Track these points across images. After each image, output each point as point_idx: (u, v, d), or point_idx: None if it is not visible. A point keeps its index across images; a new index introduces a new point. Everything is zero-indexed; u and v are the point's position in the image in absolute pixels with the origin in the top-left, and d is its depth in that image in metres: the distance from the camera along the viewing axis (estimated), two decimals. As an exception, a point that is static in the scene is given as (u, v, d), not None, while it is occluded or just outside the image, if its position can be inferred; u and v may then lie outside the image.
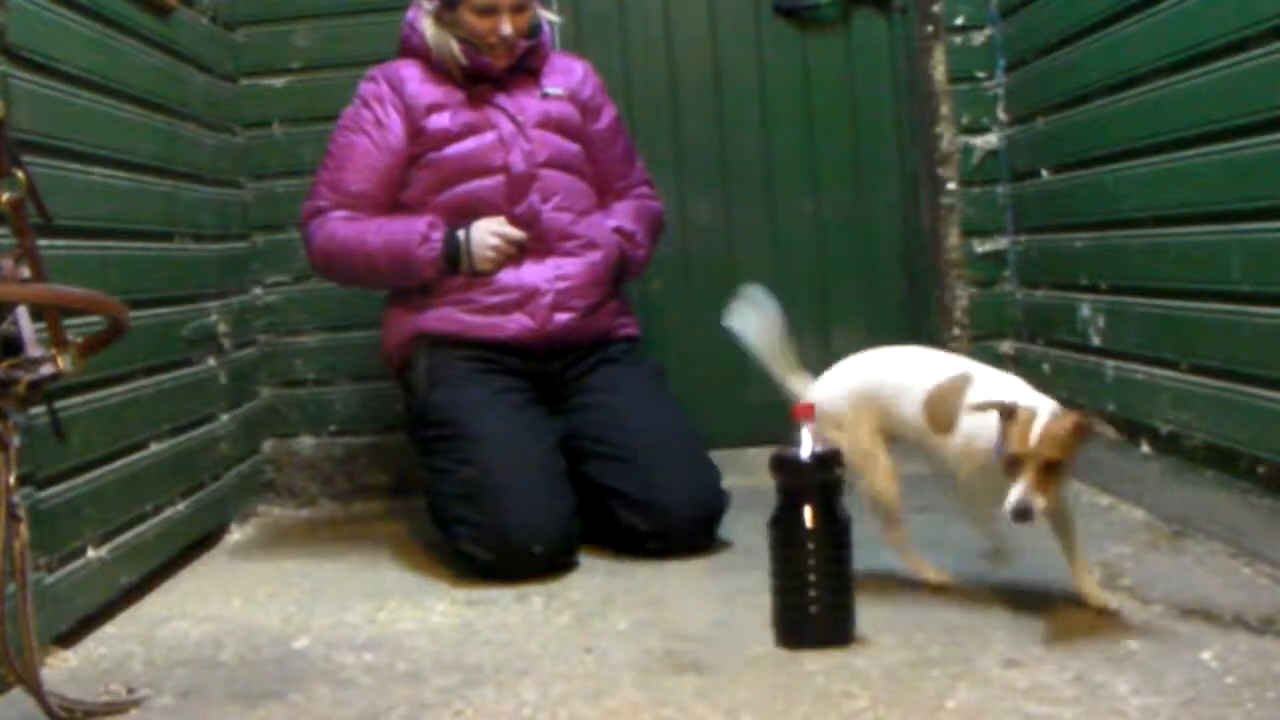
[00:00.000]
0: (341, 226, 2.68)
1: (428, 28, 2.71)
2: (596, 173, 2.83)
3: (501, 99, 2.72)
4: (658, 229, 2.91)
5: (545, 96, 2.75)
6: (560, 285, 2.65)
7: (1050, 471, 1.80)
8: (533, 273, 2.65)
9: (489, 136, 2.68)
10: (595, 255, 2.69)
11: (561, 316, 2.64)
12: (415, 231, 2.64)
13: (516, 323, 2.63)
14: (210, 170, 3.04)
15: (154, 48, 2.71)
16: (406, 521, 3.05)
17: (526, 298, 2.64)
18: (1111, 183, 2.65)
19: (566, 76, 2.81)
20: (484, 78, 2.72)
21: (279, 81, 3.32)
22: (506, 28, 2.65)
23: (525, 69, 2.76)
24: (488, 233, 2.63)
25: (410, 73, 2.73)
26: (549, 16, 2.83)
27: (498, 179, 2.67)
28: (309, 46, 3.31)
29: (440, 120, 2.69)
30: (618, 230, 2.77)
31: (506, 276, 2.64)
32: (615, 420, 2.62)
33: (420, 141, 2.69)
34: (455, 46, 2.69)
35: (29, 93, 2.10)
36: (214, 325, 2.97)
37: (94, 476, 2.26)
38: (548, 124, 2.73)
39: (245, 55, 3.32)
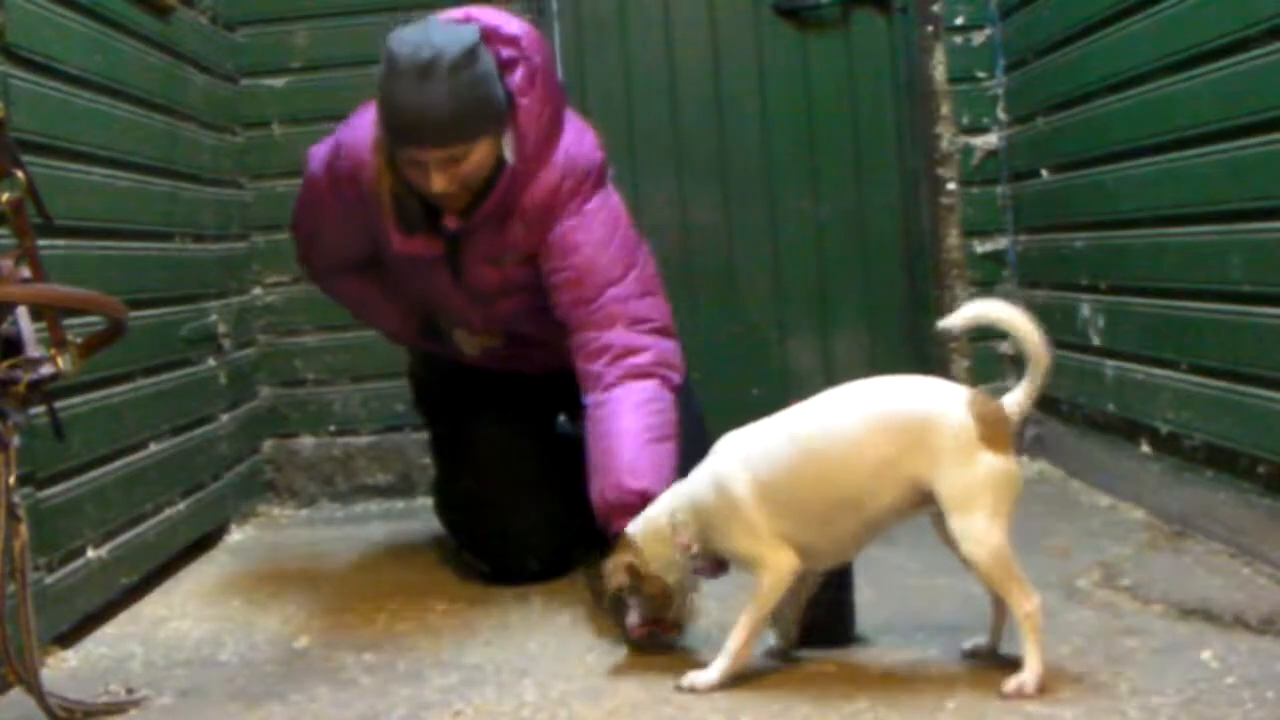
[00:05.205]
0: (322, 278, 2.59)
1: (376, 155, 2.21)
2: (560, 316, 2.26)
3: (447, 284, 2.33)
4: (671, 426, 2.14)
5: (503, 265, 2.29)
6: (551, 355, 2.45)
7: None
8: (523, 348, 2.52)
9: (444, 294, 2.37)
10: None
11: (558, 363, 2.43)
12: (391, 322, 2.57)
13: (513, 368, 2.57)
14: (210, 170, 3.04)
15: (154, 48, 2.71)
16: (406, 521, 3.05)
17: (518, 359, 2.55)
18: (1111, 183, 2.65)
19: (527, 229, 2.24)
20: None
21: (279, 81, 3.32)
22: (437, 183, 2.12)
23: (489, 222, 2.24)
24: (468, 342, 2.51)
25: (375, 187, 2.24)
26: (505, 153, 2.20)
27: (466, 319, 2.46)
28: (309, 46, 3.31)
29: (397, 251, 2.29)
30: (628, 492, 2.03)
31: (496, 355, 2.53)
32: None
33: (383, 251, 2.36)
34: (390, 208, 2.22)
35: (29, 93, 2.10)
36: (214, 325, 2.97)
37: (94, 476, 2.26)
38: (508, 291, 2.34)
39: (245, 55, 3.32)
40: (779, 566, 1.76)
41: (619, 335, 2.19)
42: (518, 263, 2.28)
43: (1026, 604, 1.65)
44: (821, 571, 1.86)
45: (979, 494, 1.66)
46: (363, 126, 2.26)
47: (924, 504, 1.72)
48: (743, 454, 1.81)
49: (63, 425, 1.84)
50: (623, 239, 2.27)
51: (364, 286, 2.53)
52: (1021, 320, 1.73)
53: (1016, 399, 1.72)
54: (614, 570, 1.86)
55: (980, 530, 1.65)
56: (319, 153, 2.38)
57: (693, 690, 1.74)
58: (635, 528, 1.87)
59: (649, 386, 2.15)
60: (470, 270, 2.30)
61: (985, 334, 3.33)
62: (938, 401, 1.71)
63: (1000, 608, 1.75)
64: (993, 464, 1.67)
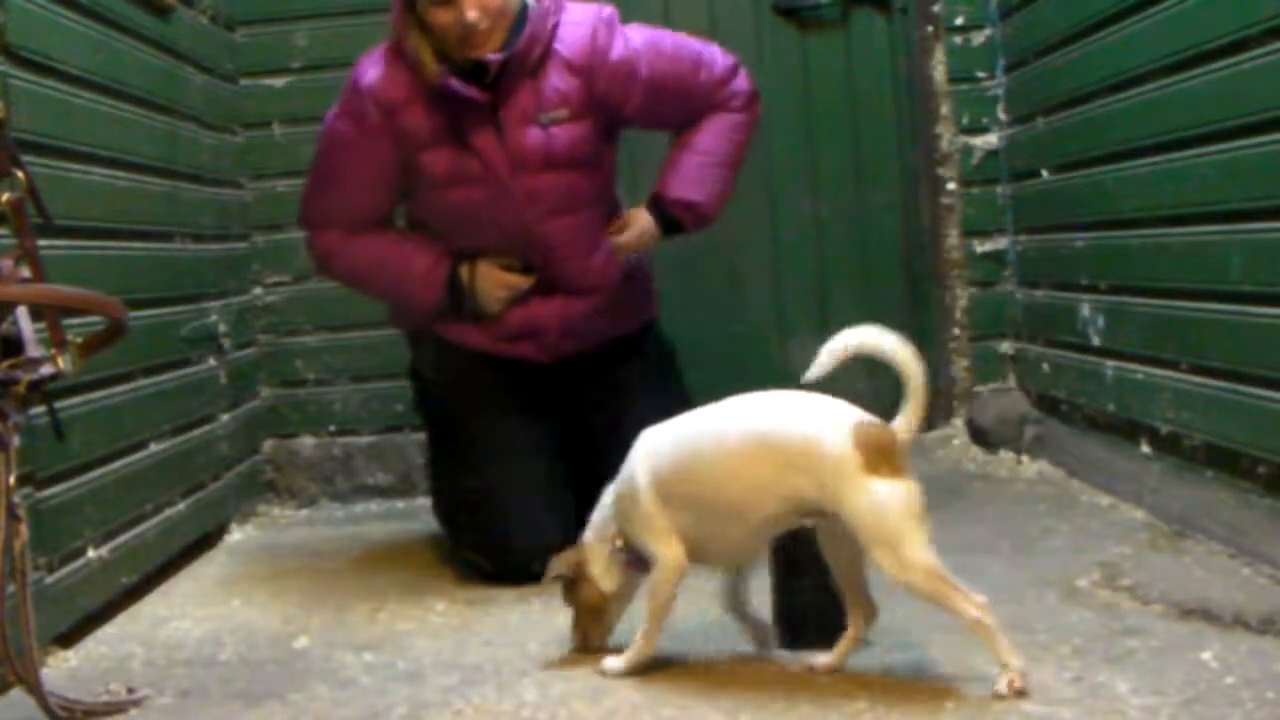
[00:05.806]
0: (340, 250, 2.53)
1: (408, 31, 2.36)
2: (663, 125, 2.60)
3: (491, 146, 2.39)
4: (739, 152, 2.57)
5: (547, 125, 2.40)
6: (568, 321, 2.54)
7: None
8: (541, 309, 2.52)
9: (483, 189, 2.41)
10: (603, 294, 2.56)
11: (569, 345, 2.57)
12: (416, 275, 2.48)
13: (523, 350, 2.57)
14: (210, 170, 3.04)
15: (154, 48, 2.71)
16: (406, 521, 3.05)
17: (533, 332, 2.54)
18: (1111, 183, 2.65)
19: (570, 79, 2.41)
20: (468, 100, 2.37)
21: (279, 81, 3.32)
22: (470, 13, 2.27)
23: (525, 70, 2.40)
24: (493, 283, 2.48)
25: (401, 93, 2.40)
26: None
27: (498, 229, 2.46)
28: (309, 46, 3.31)
29: (432, 161, 2.42)
30: (677, 202, 2.53)
31: (514, 315, 2.52)
32: (617, 426, 2.60)
33: (413, 175, 2.45)
34: (431, 62, 2.34)
35: (29, 93, 2.10)
36: (214, 325, 2.97)
37: (94, 476, 2.26)
38: (552, 164, 2.42)
39: (245, 55, 3.32)
40: (665, 560, 1.80)
41: (717, 100, 2.55)
42: (564, 122, 2.41)
43: (972, 610, 1.63)
44: (745, 574, 1.88)
45: (883, 522, 1.64)
46: (367, 59, 2.46)
47: (815, 515, 1.72)
48: (650, 447, 1.86)
49: (63, 425, 1.84)
50: (671, 40, 2.54)
51: (390, 238, 2.53)
52: (893, 344, 1.75)
53: (903, 422, 1.71)
54: (559, 563, 1.92)
55: (901, 558, 1.63)
56: (332, 110, 2.49)
57: (603, 675, 1.81)
58: (589, 535, 1.92)
59: (733, 118, 2.55)
60: (513, 130, 2.40)
61: (985, 334, 3.34)
62: (821, 426, 1.71)
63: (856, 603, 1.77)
64: (886, 490, 1.64)
